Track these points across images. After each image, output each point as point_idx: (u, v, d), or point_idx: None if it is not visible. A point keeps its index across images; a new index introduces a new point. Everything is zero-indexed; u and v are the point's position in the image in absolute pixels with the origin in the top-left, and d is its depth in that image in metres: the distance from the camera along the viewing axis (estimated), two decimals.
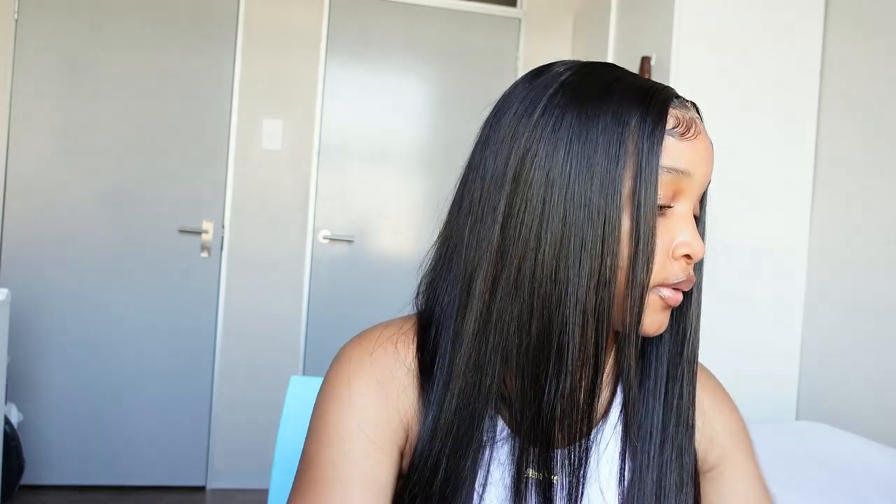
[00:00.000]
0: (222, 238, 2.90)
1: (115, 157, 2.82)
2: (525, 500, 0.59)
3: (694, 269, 0.62)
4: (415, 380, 0.61)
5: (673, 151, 0.56)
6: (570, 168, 0.55)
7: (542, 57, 3.13)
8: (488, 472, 0.60)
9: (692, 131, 0.57)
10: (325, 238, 2.99)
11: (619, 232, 0.54)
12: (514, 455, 0.60)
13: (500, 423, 0.61)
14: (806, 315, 2.24)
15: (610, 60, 2.61)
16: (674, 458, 0.62)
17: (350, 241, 3.01)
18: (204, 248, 2.88)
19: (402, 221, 3.03)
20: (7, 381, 2.18)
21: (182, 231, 2.86)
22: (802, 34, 2.23)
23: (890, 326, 1.91)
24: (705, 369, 0.74)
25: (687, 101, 0.60)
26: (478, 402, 0.58)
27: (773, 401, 2.23)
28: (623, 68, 0.61)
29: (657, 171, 0.55)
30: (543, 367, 0.56)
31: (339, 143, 2.99)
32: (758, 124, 2.21)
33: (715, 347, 2.20)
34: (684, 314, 0.65)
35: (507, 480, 0.60)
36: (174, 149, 2.86)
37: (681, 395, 0.64)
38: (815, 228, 2.23)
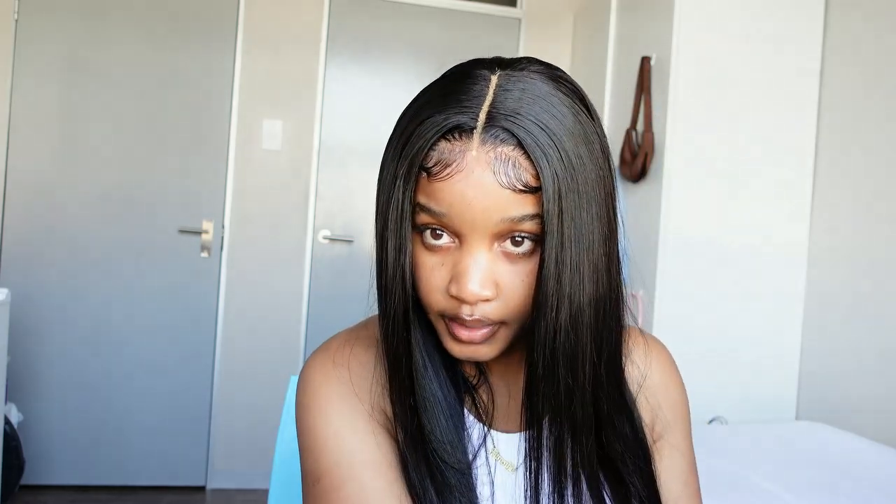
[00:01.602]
0: (222, 238, 2.90)
1: (115, 157, 2.82)
2: (495, 487, 0.63)
3: (556, 308, 0.56)
4: (377, 372, 0.65)
5: (427, 189, 0.55)
6: (379, 181, 0.59)
7: (542, 57, 3.12)
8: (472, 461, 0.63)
9: (453, 167, 0.54)
10: (325, 238, 2.99)
11: (389, 254, 0.58)
12: (483, 441, 0.63)
13: (465, 412, 0.64)
14: (806, 314, 2.24)
15: (610, 60, 2.61)
16: (617, 426, 0.63)
17: (350, 241, 3.01)
18: (204, 248, 2.88)
19: None
20: (7, 381, 2.18)
21: (182, 231, 2.86)
22: (802, 34, 2.23)
23: (890, 326, 1.91)
24: (658, 343, 0.74)
25: (489, 123, 0.54)
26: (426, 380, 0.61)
27: (773, 401, 2.23)
28: (445, 89, 0.58)
29: (404, 204, 0.56)
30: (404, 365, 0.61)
31: (339, 143, 2.99)
32: (758, 124, 2.21)
33: (715, 347, 2.20)
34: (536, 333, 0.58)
35: (480, 465, 0.63)
36: (174, 149, 2.86)
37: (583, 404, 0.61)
38: (815, 228, 2.23)
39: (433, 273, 0.57)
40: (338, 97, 2.99)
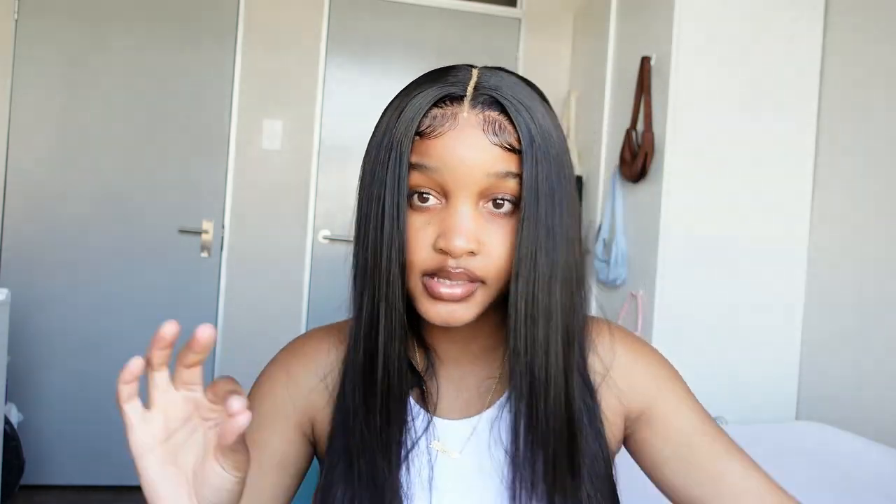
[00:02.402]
0: (222, 238, 2.90)
1: (115, 157, 2.82)
2: (434, 472, 0.67)
3: (533, 264, 0.61)
4: (331, 374, 0.71)
5: (421, 148, 0.61)
6: (366, 168, 0.64)
7: (542, 57, 3.13)
8: (411, 445, 0.67)
9: (445, 126, 0.60)
10: (325, 238, 2.99)
11: (382, 222, 0.61)
12: (426, 428, 0.68)
13: (410, 401, 0.69)
14: (806, 315, 2.24)
15: (610, 60, 2.61)
16: (560, 419, 0.65)
17: (350, 241, 3.00)
18: (204, 248, 2.88)
19: None
20: (7, 381, 2.18)
21: (182, 231, 2.86)
22: (802, 34, 2.23)
23: (890, 326, 1.91)
24: (622, 330, 0.77)
25: (475, 93, 0.62)
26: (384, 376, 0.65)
27: (773, 401, 2.23)
28: (435, 73, 0.66)
29: (402, 168, 0.60)
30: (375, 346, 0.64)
31: (339, 143, 2.99)
32: (758, 124, 2.21)
33: (715, 347, 2.20)
34: (512, 306, 0.62)
35: (421, 451, 0.68)
36: (174, 149, 2.86)
37: (546, 366, 0.63)
38: (815, 228, 2.23)
39: (419, 232, 0.61)
40: (338, 97, 2.99)
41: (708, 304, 2.20)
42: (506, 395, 0.69)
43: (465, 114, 0.61)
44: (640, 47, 2.34)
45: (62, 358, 2.78)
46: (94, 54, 2.79)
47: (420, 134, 0.61)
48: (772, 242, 2.23)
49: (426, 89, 0.62)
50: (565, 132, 3.03)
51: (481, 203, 0.61)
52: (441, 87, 0.62)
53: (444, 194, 0.61)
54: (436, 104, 0.61)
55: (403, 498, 0.65)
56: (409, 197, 0.61)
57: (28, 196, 2.76)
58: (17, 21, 2.74)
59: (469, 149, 0.60)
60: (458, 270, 0.60)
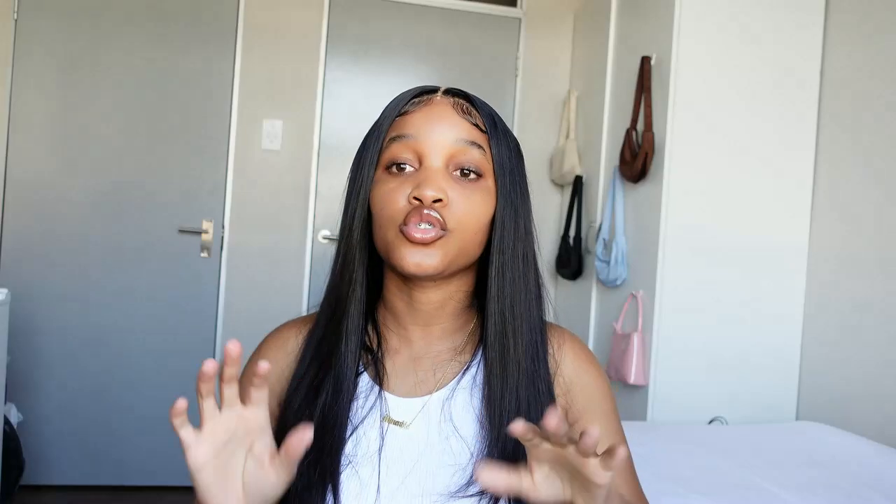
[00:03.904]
0: (222, 238, 2.90)
1: (115, 157, 2.82)
2: (385, 442, 0.72)
3: (503, 242, 0.73)
4: (295, 359, 0.77)
5: (400, 123, 0.73)
6: (360, 151, 0.76)
7: (542, 57, 3.13)
8: (363, 417, 0.73)
9: (421, 105, 0.73)
10: (324, 238, 2.99)
11: (357, 194, 0.74)
12: (376, 403, 0.74)
13: (366, 378, 0.75)
14: (806, 315, 2.24)
15: (610, 60, 2.61)
16: (530, 403, 0.73)
17: None
18: (204, 248, 2.88)
19: None
20: (7, 381, 2.18)
21: (182, 231, 2.86)
22: (802, 34, 2.23)
23: (890, 327, 1.91)
24: (569, 335, 0.83)
25: (455, 93, 0.75)
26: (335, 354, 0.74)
27: (773, 401, 2.23)
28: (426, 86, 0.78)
29: (379, 143, 0.73)
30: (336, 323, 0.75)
31: (339, 143, 2.99)
32: (758, 124, 2.21)
33: (715, 347, 2.20)
34: (497, 279, 0.74)
35: (373, 423, 0.73)
36: (174, 149, 2.86)
37: (515, 344, 0.73)
38: (815, 229, 2.23)
39: (395, 191, 0.71)
40: (338, 97, 2.99)
41: (708, 304, 2.19)
42: (458, 377, 0.76)
43: (438, 98, 0.74)
44: (640, 47, 2.34)
45: (62, 358, 2.78)
46: (93, 54, 2.79)
47: (400, 115, 0.74)
48: (772, 242, 2.23)
49: (406, 92, 0.76)
50: (565, 132, 3.04)
51: (451, 167, 0.72)
52: (418, 88, 0.76)
53: (419, 160, 0.72)
54: (412, 98, 0.74)
55: (351, 467, 0.71)
56: (389, 168, 0.72)
57: (28, 196, 2.76)
58: (16, 21, 2.74)
59: (441, 119, 0.72)
60: (428, 213, 0.69)
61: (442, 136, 0.72)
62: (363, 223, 0.73)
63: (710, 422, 2.15)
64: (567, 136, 2.93)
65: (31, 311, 2.73)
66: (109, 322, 2.81)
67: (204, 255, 2.88)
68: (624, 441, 0.78)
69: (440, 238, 0.69)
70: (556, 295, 2.99)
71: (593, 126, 2.71)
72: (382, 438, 0.72)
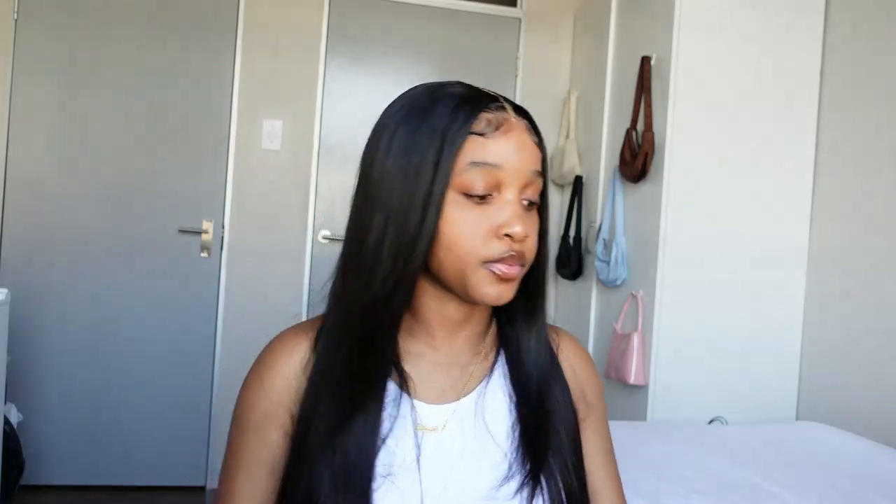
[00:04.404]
0: (222, 238, 2.90)
1: (115, 157, 2.82)
2: (420, 449, 0.71)
3: (545, 250, 0.75)
4: (305, 366, 0.74)
5: (481, 148, 0.68)
6: (395, 168, 0.69)
7: (542, 57, 3.13)
8: (391, 427, 0.71)
9: (501, 129, 0.68)
10: (324, 238, 2.99)
11: (418, 216, 0.67)
12: (405, 412, 0.72)
13: (391, 386, 0.73)
14: (806, 314, 2.24)
15: (610, 60, 2.61)
16: (553, 399, 0.76)
17: None
18: (204, 248, 2.88)
19: None
20: (7, 381, 2.18)
21: (182, 231, 2.86)
22: (802, 34, 2.23)
23: (890, 327, 1.91)
24: (572, 336, 0.86)
25: (511, 104, 0.71)
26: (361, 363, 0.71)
27: (773, 401, 2.23)
28: (462, 84, 0.73)
29: (449, 167, 0.67)
30: (373, 327, 0.71)
31: (339, 143, 2.99)
32: (758, 124, 2.21)
33: (715, 347, 2.20)
34: (533, 284, 0.76)
35: (404, 433, 0.71)
36: (174, 149, 2.86)
37: (539, 350, 0.77)
38: (815, 228, 2.23)
39: (479, 223, 0.68)
40: (338, 97, 2.99)
41: (708, 304, 2.19)
42: (484, 381, 0.76)
43: (513, 119, 0.70)
44: (640, 47, 2.34)
45: (62, 358, 2.78)
46: (93, 54, 2.79)
47: (476, 134, 0.68)
48: (772, 242, 2.23)
49: (468, 93, 0.70)
50: (565, 132, 3.04)
51: (521, 198, 0.70)
52: (481, 95, 0.71)
53: (497, 188, 0.69)
54: (484, 109, 0.69)
55: (389, 481, 0.68)
56: (466, 195, 0.68)
57: (28, 196, 2.76)
58: (16, 21, 2.74)
59: (521, 149, 0.69)
60: (518, 252, 0.69)
61: (522, 166, 0.69)
62: (428, 247, 0.68)
63: (710, 422, 2.15)
64: (567, 136, 2.93)
65: (31, 311, 2.73)
66: (109, 322, 2.81)
67: (204, 255, 2.88)
68: (610, 437, 0.84)
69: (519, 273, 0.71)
70: (557, 295, 2.99)
71: (593, 126, 2.71)
72: (418, 447, 0.71)
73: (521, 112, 0.71)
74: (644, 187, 2.28)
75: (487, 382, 0.76)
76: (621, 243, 2.36)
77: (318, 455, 0.68)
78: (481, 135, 0.68)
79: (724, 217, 2.20)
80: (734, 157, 2.20)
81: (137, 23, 2.82)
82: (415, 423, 0.72)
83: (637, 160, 2.24)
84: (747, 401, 2.21)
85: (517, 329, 0.77)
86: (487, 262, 0.68)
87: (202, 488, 2.89)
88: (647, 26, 2.34)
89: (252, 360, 0.81)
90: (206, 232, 2.87)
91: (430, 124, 0.68)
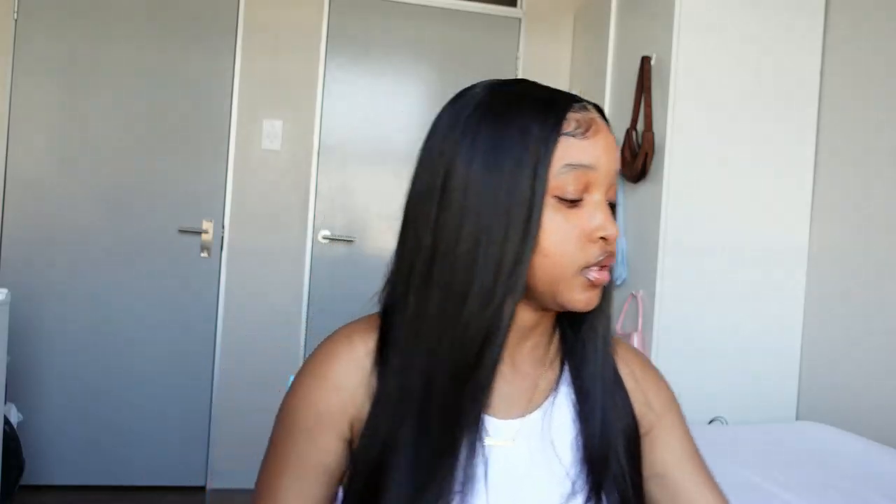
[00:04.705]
0: (222, 238, 2.90)
1: (115, 157, 2.82)
2: (487, 466, 0.68)
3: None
4: (368, 374, 0.70)
5: (575, 150, 0.66)
6: (483, 175, 0.65)
7: (542, 57, 3.13)
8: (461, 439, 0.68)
9: (591, 130, 0.67)
10: (324, 238, 2.99)
11: (519, 223, 0.64)
12: (472, 426, 0.67)
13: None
14: (806, 314, 2.24)
15: (610, 60, 2.61)
16: (616, 416, 0.73)
17: (350, 241, 3.01)
18: (204, 248, 2.88)
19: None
20: (7, 381, 2.18)
21: (182, 231, 2.86)
22: (802, 34, 2.23)
23: (890, 326, 1.91)
24: (631, 346, 0.83)
25: (589, 103, 0.69)
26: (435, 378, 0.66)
27: (773, 401, 2.23)
28: (532, 82, 0.71)
29: (546, 169, 0.64)
30: (468, 348, 0.66)
31: (339, 143, 2.99)
32: (758, 124, 2.21)
33: (715, 347, 2.20)
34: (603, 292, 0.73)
35: (470, 449, 0.67)
36: (174, 149, 2.86)
37: (605, 360, 0.74)
38: (815, 228, 2.23)
39: (571, 231, 0.66)
40: (338, 97, 2.99)
41: (708, 305, 2.19)
42: (552, 396, 0.74)
43: (598, 119, 0.68)
44: (640, 47, 2.34)
45: (62, 358, 2.78)
46: (93, 54, 2.79)
47: (567, 135, 0.65)
48: (772, 242, 2.23)
49: (550, 93, 0.68)
50: None
51: (605, 199, 0.69)
52: (560, 94, 0.68)
53: (587, 191, 0.67)
54: (570, 109, 0.67)
55: (458, 497, 0.65)
56: (559, 199, 0.65)
57: (28, 196, 2.76)
58: (16, 21, 2.74)
59: (609, 150, 0.68)
60: (610, 254, 0.68)
61: (611, 167, 0.68)
62: (530, 256, 0.65)
63: (710, 422, 2.15)
64: None
65: (31, 311, 2.73)
66: (109, 322, 2.81)
67: (204, 255, 2.88)
68: (691, 440, 0.80)
69: None
70: None
71: None
72: (486, 463, 0.68)
73: (600, 112, 0.70)
74: (644, 187, 2.28)
75: (555, 397, 0.74)
76: (621, 243, 2.37)
77: (395, 463, 0.65)
78: (572, 136, 0.65)
79: (724, 217, 2.20)
80: (734, 157, 2.20)
81: (137, 23, 2.82)
82: (482, 436, 0.68)
83: (637, 160, 2.24)
84: (747, 401, 2.21)
85: (582, 336, 0.74)
86: (584, 267, 0.67)
87: (202, 488, 2.89)
88: (647, 26, 2.34)
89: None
90: (206, 232, 2.87)
91: (519, 126, 0.65)
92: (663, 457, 0.76)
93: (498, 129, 0.65)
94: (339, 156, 2.99)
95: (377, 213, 3.01)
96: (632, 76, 2.35)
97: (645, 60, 2.26)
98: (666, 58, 2.19)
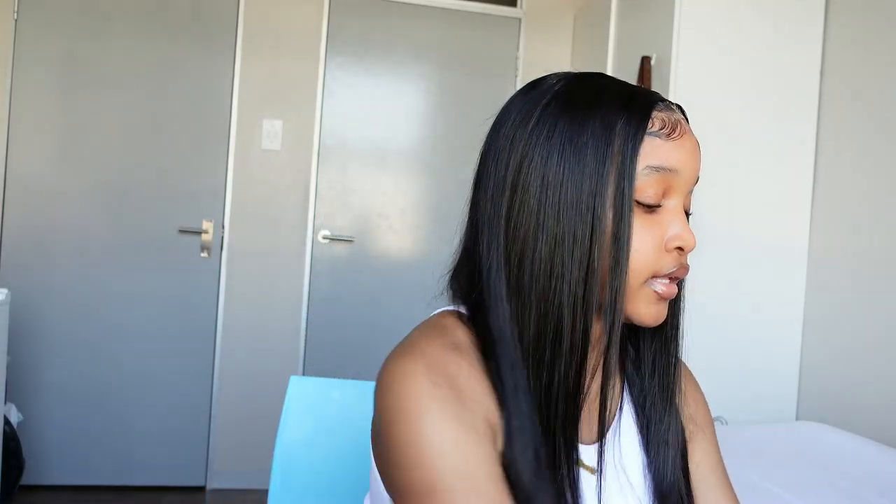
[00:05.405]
0: (222, 238, 2.90)
1: (115, 157, 2.82)
2: (578, 492, 0.61)
3: None
4: (483, 377, 0.61)
5: (660, 152, 0.61)
6: (563, 171, 0.60)
7: (542, 57, 3.13)
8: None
9: (678, 132, 0.62)
10: (324, 238, 2.99)
11: (606, 226, 0.59)
12: (572, 450, 0.62)
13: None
14: (806, 315, 2.24)
15: (610, 60, 2.61)
16: (676, 435, 0.70)
17: (350, 241, 3.01)
18: (204, 248, 2.88)
19: (402, 221, 3.03)
20: (7, 381, 2.18)
21: (182, 231, 2.86)
22: (802, 34, 2.23)
23: (890, 326, 1.91)
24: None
25: (672, 103, 0.64)
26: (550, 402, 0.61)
27: (773, 401, 2.23)
28: (611, 77, 0.66)
29: (634, 169, 0.59)
30: (543, 357, 0.60)
31: (339, 143, 2.99)
32: (758, 124, 2.21)
33: (715, 347, 2.20)
34: (673, 306, 0.70)
35: (568, 475, 0.61)
36: (174, 149, 2.86)
37: (673, 380, 0.70)
38: (815, 228, 2.23)
39: (647, 237, 0.61)
40: (338, 97, 2.99)
41: (707, 305, 2.19)
42: (617, 415, 0.70)
43: (683, 121, 0.64)
44: (640, 47, 2.34)
45: (62, 358, 2.78)
46: (93, 54, 2.80)
47: (652, 135, 0.61)
48: (772, 242, 2.23)
49: (633, 89, 0.63)
50: None
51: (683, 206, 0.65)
52: (642, 92, 0.63)
53: (665, 195, 0.62)
54: (654, 108, 0.62)
55: None
56: (637, 202, 0.61)
57: (28, 196, 2.76)
58: (16, 21, 2.74)
59: (693, 154, 0.64)
60: (683, 266, 0.64)
61: (693, 174, 0.64)
62: (624, 262, 0.60)
63: None
64: None
65: (31, 311, 2.73)
66: (109, 322, 2.81)
67: (204, 255, 2.88)
68: (720, 457, 0.77)
69: None
70: None
71: None
72: (575, 488, 0.61)
73: (684, 114, 0.65)
74: None
75: (619, 416, 0.70)
76: None
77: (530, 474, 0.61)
78: (657, 136, 0.61)
79: (724, 217, 2.20)
80: (734, 157, 2.20)
81: (137, 23, 2.82)
82: (572, 462, 0.61)
83: None
84: (747, 401, 2.21)
85: (650, 354, 0.70)
86: (655, 277, 0.62)
87: (202, 488, 2.89)
88: (647, 26, 2.34)
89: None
90: (206, 232, 2.87)
91: (604, 120, 0.60)
92: (695, 470, 0.73)
93: (578, 122, 0.60)
94: (339, 156, 2.99)
95: (377, 213, 3.02)
96: (632, 76, 2.35)
97: (645, 60, 2.26)
98: (666, 58, 2.19)
